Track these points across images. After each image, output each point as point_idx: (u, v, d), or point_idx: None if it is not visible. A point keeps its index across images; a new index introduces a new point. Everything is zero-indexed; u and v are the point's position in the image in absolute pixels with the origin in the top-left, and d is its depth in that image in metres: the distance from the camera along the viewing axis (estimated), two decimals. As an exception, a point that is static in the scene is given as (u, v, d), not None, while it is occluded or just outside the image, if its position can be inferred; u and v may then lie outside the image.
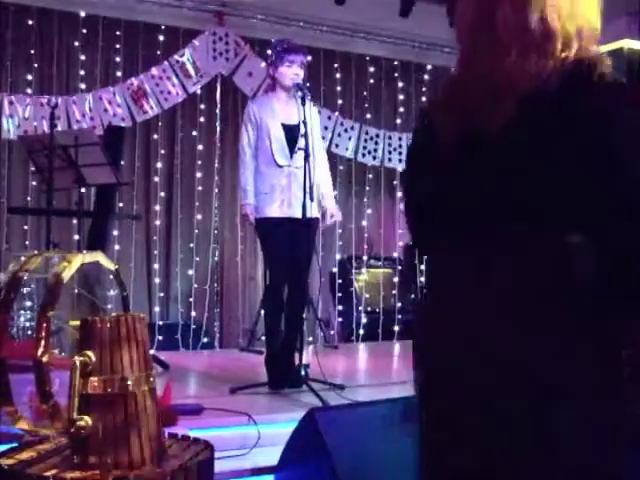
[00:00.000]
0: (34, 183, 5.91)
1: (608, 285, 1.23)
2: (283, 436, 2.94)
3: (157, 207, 6.39)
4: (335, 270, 6.93)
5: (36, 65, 6.05)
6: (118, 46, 6.23)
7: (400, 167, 7.13)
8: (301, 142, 4.01)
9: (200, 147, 6.53)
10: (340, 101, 7.04)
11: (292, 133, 4.12)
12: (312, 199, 4.02)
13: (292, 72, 4.12)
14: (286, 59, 4.12)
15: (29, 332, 5.13)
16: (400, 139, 7.13)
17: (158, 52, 6.32)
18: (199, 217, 6.49)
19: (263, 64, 5.94)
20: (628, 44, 3.58)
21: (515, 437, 1.23)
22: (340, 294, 6.89)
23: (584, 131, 1.21)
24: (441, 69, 7.40)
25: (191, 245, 6.45)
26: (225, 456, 2.94)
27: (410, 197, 1.49)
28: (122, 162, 5.80)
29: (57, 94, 5.97)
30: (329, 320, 6.87)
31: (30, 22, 5.98)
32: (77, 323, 2.34)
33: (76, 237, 4.77)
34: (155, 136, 6.40)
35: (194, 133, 6.52)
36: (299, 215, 3.98)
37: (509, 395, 1.23)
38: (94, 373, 2.22)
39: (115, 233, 6.06)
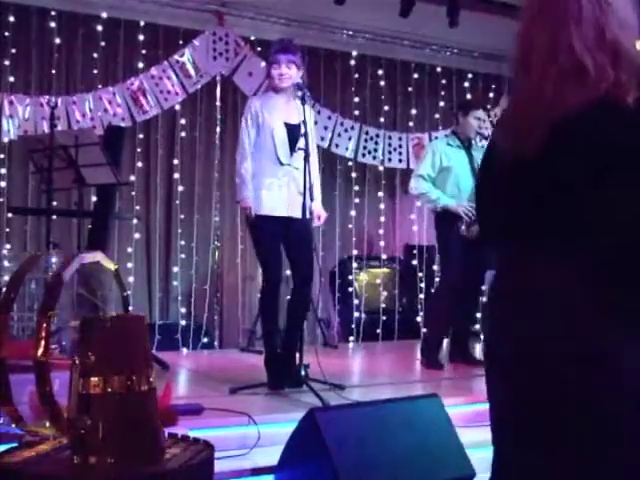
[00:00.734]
0: (34, 183, 5.90)
1: None
2: (283, 436, 2.94)
3: (157, 207, 6.39)
4: (335, 270, 6.93)
5: (36, 65, 6.04)
6: (118, 46, 6.23)
7: (400, 167, 7.14)
8: (301, 142, 4.01)
9: (200, 147, 6.53)
10: (340, 101, 7.04)
11: (293, 132, 4.10)
12: (312, 199, 4.02)
13: (277, 72, 4.07)
14: (272, 59, 4.10)
15: (29, 332, 5.13)
16: (400, 139, 7.11)
17: (158, 52, 6.32)
18: (199, 217, 6.48)
19: (263, 64, 5.93)
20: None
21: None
22: (340, 294, 6.88)
23: (609, 158, 1.31)
24: (441, 69, 7.41)
25: (191, 245, 6.45)
26: (225, 456, 2.95)
27: (477, 203, 1.66)
28: (122, 162, 5.79)
29: (57, 94, 5.96)
30: (329, 320, 6.87)
31: (30, 22, 5.98)
32: (77, 323, 2.34)
33: (76, 237, 4.76)
34: (155, 136, 6.40)
35: (194, 133, 6.52)
36: (298, 214, 3.97)
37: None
38: (94, 373, 2.22)
39: (115, 233, 6.05)
